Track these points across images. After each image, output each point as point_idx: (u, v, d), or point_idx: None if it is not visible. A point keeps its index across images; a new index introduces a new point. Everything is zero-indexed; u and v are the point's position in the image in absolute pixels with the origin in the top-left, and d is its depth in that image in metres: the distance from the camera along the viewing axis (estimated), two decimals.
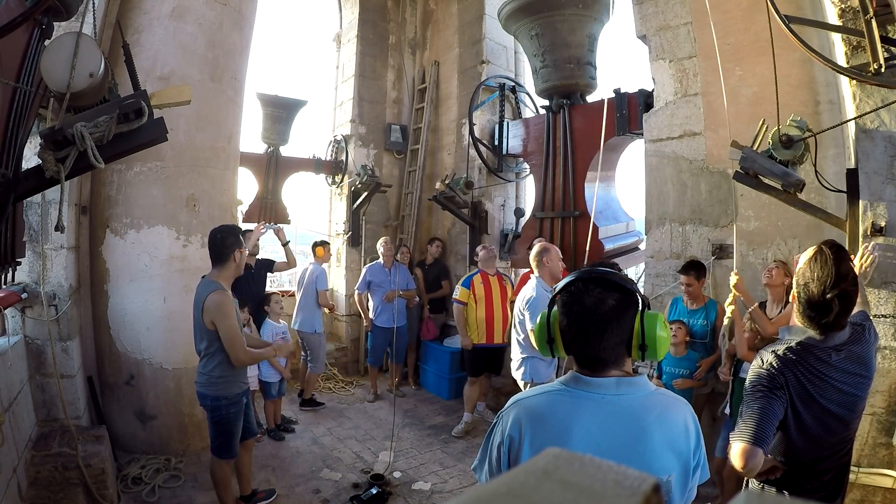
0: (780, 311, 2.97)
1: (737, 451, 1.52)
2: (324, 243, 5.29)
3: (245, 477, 3.26)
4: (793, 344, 1.58)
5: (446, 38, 6.54)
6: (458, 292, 4.60)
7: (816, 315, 1.55)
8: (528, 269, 4.75)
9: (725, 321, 2.89)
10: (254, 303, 4.44)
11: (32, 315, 3.22)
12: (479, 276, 4.63)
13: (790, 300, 1.72)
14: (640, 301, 1.13)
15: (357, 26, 6.62)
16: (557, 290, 1.18)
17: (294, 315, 5.06)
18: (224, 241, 2.80)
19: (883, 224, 2.33)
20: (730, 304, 2.79)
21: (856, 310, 1.81)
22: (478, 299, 4.56)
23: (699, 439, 1.16)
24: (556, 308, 1.19)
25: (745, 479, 1.68)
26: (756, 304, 2.96)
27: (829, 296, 1.51)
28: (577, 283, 1.15)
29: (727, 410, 3.05)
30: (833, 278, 1.52)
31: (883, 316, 2.35)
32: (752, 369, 1.62)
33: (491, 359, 4.66)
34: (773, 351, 1.60)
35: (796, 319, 1.65)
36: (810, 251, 1.63)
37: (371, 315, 5.40)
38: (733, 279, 2.86)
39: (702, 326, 3.36)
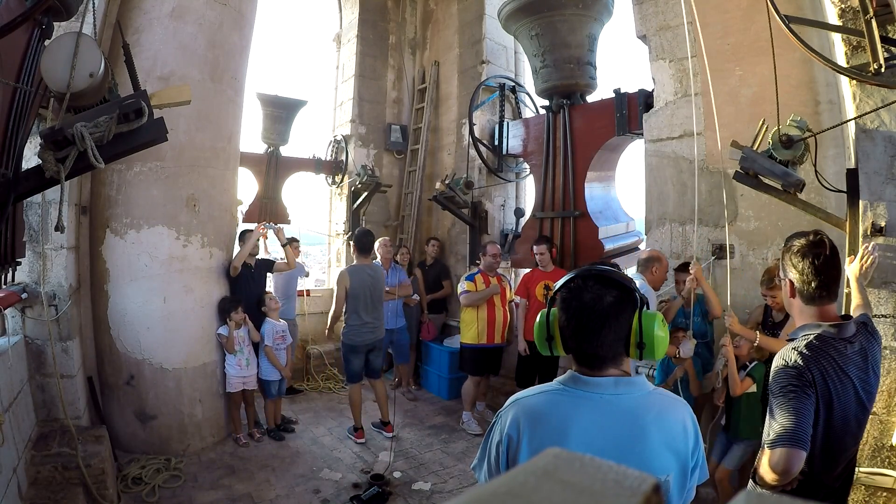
0: (785, 317, 2.93)
1: (779, 457, 1.40)
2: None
3: (385, 407, 4.44)
4: (811, 338, 1.55)
5: (446, 38, 6.54)
6: (465, 285, 4.59)
7: (824, 276, 1.55)
8: (528, 270, 4.77)
9: (720, 368, 2.87)
10: (254, 302, 4.44)
11: (32, 315, 3.22)
12: (480, 276, 4.64)
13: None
14: (638, 300, 1.13)
15: (357, 26, 6.62)
16: (556, 287, 1.19)
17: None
18: (370, 240, 4.41)
19: (883, 224, 2.32)
20: (724, 343, 2.80)
21: (858, 311, 1.82)
22: None
23: (698, 439, 1.16)
24: (555, 308, 1.19)
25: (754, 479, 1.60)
26: (757, 335, 2.86)
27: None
28: (576, 280, 1.15)
29: (722, 422, 3.04)
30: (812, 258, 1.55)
31: (883, 316, 2.34)
32: (776, 369, 1.55)
33: (491, 359, 4.66)
34: (794, 348, 1.55)
35: (801, 314, 1.63)
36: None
37: None
38: (728, 321, 2.84)
39: (700, 323, 3.39)
